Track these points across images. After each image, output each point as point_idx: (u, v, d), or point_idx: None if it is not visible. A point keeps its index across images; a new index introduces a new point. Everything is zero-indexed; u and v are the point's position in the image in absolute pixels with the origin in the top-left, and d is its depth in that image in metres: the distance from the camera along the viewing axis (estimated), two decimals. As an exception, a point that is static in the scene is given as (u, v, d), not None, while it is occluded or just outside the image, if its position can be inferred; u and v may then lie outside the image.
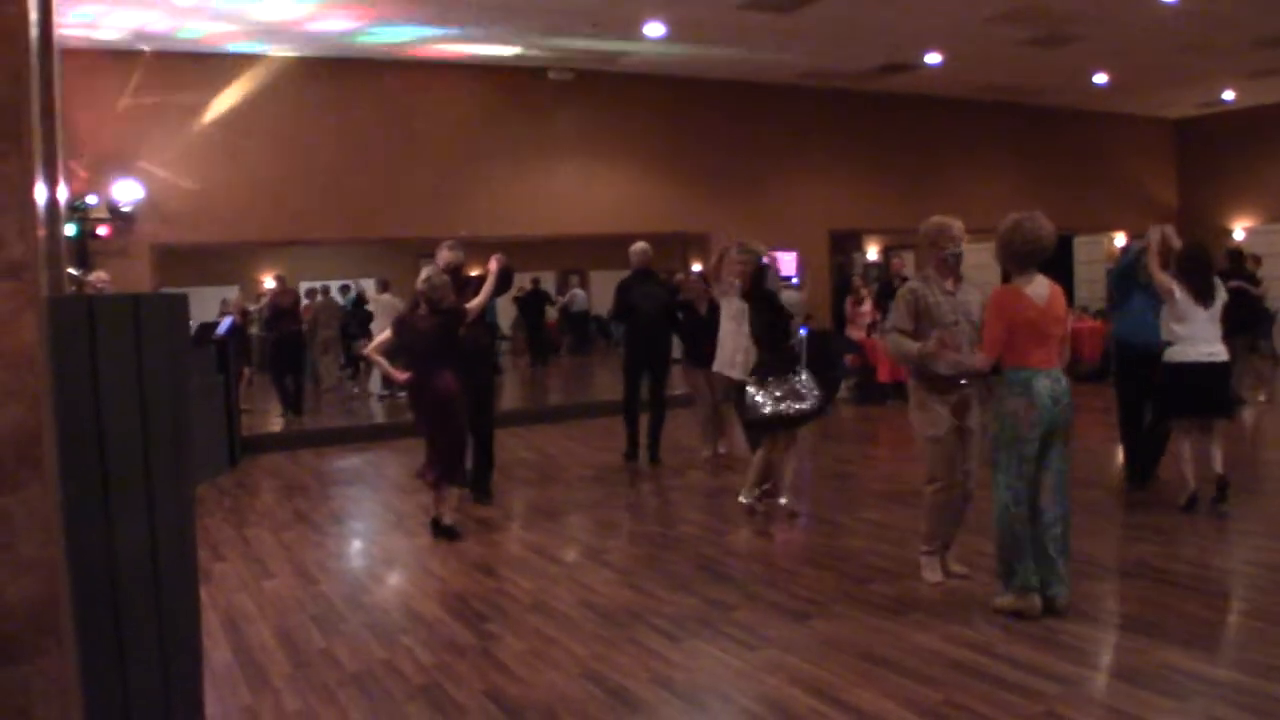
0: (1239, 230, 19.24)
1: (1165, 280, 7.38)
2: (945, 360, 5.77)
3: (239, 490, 10.14)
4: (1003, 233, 5.55)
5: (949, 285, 6.03)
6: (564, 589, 6.42)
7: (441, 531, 7.69)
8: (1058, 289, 5.65)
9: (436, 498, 7.82)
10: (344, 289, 21.33)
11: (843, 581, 6.33)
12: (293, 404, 14.46)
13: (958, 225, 6.07)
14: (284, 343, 14.74)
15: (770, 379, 7.76)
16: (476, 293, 8.24)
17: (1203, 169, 20.28)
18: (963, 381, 5.93)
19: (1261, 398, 13.30)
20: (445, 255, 8.57)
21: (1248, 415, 12.21)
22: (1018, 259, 5.54)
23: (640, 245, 10.70)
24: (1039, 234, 5.47)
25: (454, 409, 7.60)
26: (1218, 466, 7.46)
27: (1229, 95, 18.34)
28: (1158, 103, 19.08)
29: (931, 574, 6.22)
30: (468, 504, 8.57)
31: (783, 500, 8.22)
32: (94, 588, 3.54)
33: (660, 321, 10.53)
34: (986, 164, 18.32)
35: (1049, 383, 5.40)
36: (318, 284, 18.90)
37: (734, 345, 8.85)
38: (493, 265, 8.39)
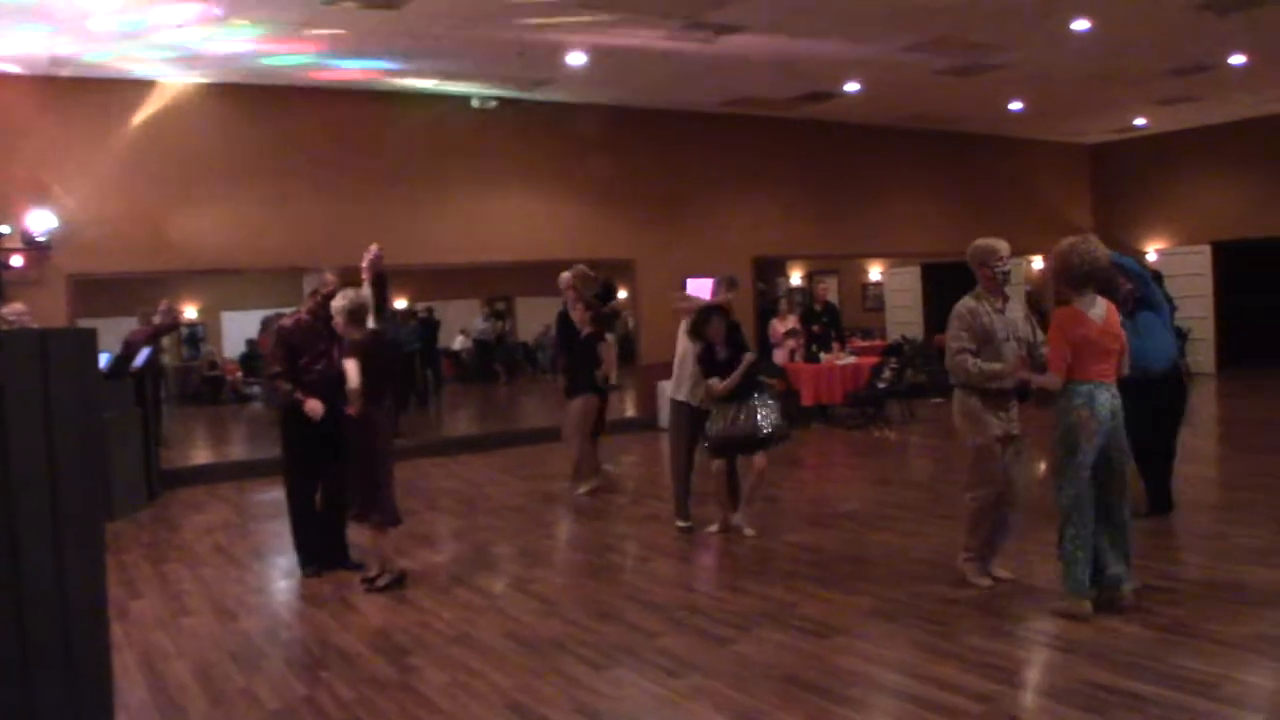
0: (1152, 252, 19.67)
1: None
2: (1034, 382, 5.97)
3: (157, 525, 9.93)
4: (1060, 256, 5.73)
5: (998, 304, 6.22)
6: (488, 620, 6.36)
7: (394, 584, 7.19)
8: (1113, 307, 5.89)
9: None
10: (426, 313, 21.25)
11: (767, 605, 6.34)
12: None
13: (1004, 245, 6.26)
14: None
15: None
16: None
17: (1117, 193, 20.71)
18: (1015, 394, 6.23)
19: None
20: (330, 278, 7.87)
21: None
22: (1076, 281, 5.70)
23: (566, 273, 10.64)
24: (1095, 256, 5.67)
25: (362, 438, 7.03)
26: None
27: (1141, 121, 18.77)
28: (1073, 129, 19.46)
29: (978, 579, 6.38)
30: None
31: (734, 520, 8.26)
32: (-2, 628, 3.45)
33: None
34: (907, 190, 18.53)
35: (1109, 397, 5.64)
36: (271, 313, 18.01)
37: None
38: (373, 250, 7.33)
